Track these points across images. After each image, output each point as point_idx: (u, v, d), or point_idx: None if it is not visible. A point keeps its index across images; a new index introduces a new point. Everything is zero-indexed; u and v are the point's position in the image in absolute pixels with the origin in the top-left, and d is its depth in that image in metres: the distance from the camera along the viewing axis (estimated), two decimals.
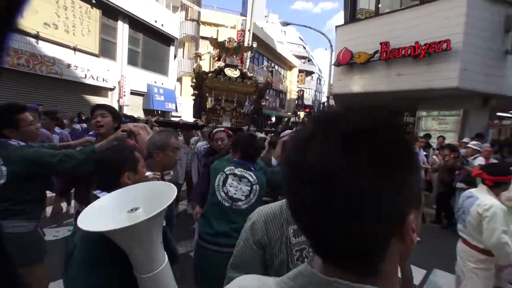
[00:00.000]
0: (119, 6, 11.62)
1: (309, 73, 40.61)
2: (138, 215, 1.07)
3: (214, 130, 3.27)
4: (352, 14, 10.37)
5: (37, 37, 9.12)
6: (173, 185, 1.22)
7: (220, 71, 5.21)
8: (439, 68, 7.65)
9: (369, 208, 0.36)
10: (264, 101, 5.59)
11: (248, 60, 21.52)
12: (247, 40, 21.03)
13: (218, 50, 5.57)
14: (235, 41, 5.59)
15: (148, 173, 1.59)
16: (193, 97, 5.40)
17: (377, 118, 0.41)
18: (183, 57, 17.70)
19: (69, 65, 10.03)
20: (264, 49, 25.89)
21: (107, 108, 2.50)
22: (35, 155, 1.88)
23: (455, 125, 8.45)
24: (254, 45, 24.68)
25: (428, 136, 7.65)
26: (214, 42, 5.68)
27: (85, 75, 10.70)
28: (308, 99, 38.33)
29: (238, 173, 2.15)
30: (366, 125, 0.39)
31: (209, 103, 5.16)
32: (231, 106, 5.23)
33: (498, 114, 9.89)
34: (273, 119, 30.46)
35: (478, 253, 2.31)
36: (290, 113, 33.95)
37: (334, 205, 0.37)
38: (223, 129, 3.32)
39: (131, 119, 4.88)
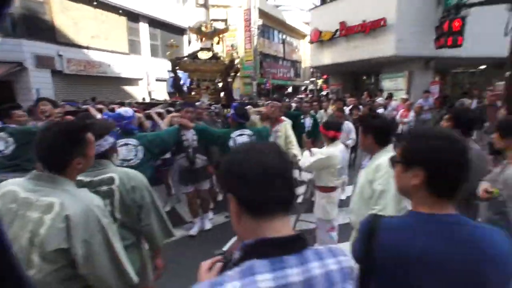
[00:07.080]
0: (138, 11, 14.69)
1: None
2: None
3: None
4: None
5: (88, 48, 12.62)
6: None
7: (193, 54, 5.99)
8: (380, 41, 9.67)
9: None
10: (231, 78, 6.24)
11: (256, 37, 23.41)
12: (253, 17, 22.82)
13: (200, 35, 6.25)
14: (212, 26, 6.25)
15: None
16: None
17: None
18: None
19: (109, 65, 13.44)
20: (274, 23, 27.47)
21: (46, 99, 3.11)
22: None
23: (404, 84, 10.49)
24: (260, 22, 25.83)
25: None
26: (193, 30, 6.49)
27: (121, 71, 14.07)
28: None
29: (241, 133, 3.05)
30: None
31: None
32: (207, 84, 5.90)
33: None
34: (290, 89, 32.22)
35: None
36: (307, 81, 35.21)
37: None
38: None
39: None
